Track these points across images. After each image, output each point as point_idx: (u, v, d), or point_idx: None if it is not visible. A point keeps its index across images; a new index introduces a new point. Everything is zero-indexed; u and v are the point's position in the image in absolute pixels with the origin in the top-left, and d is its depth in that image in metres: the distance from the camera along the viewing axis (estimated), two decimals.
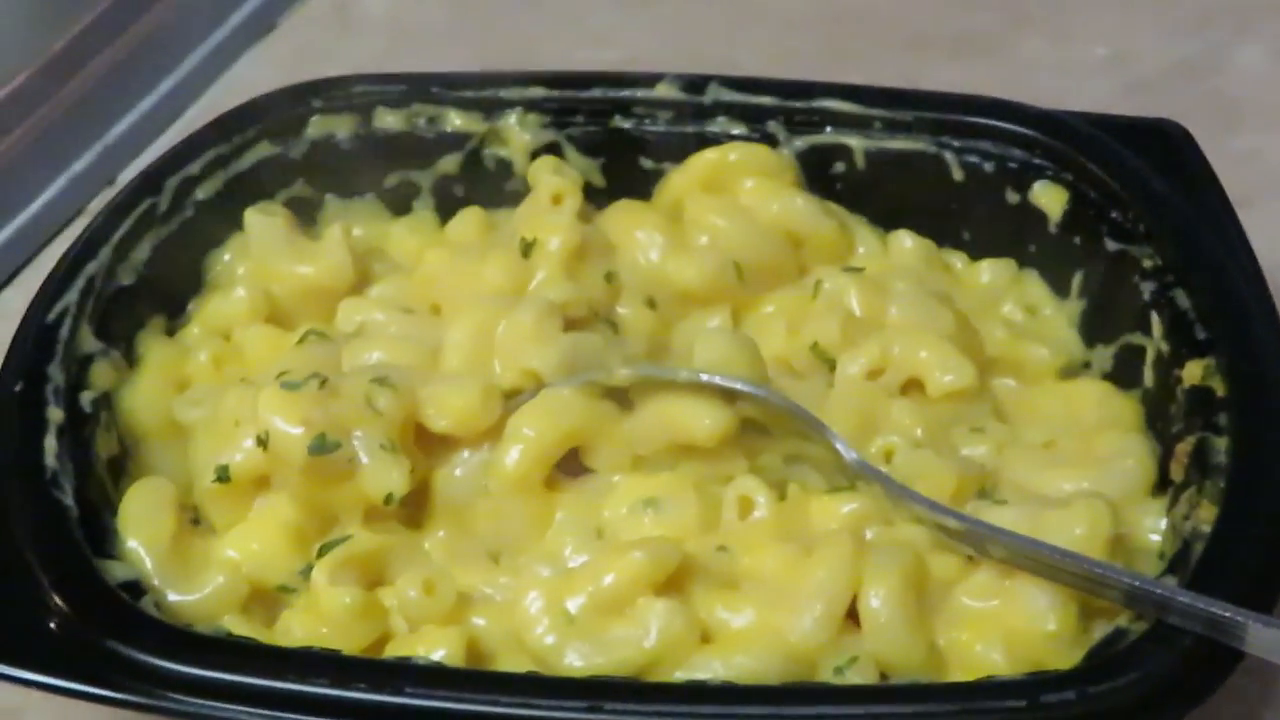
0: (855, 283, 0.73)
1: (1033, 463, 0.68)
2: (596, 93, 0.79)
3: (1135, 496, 0.66)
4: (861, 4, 1.06)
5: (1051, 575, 0.60)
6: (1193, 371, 0.66)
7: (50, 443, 0.64)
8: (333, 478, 0.64)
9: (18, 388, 0.66)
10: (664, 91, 0.78)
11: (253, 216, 0.75)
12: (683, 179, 0.78)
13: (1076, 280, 0.75)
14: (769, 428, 0.67)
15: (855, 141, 0.78)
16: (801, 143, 0.78)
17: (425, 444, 0.67)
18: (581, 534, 0.66)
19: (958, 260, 0.79)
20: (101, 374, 0.69)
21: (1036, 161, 0.76)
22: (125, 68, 0.97)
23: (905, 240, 0.78)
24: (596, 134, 0.79)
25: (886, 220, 0.78)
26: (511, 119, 0.79)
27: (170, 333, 0.75)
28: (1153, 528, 0.65)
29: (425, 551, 0.66)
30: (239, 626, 0.63)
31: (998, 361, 0.73)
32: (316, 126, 0.78)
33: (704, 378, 0.66)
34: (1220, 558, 0.59)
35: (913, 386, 0.70)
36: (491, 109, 0.79)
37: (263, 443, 0.64)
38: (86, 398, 0.67)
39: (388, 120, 0.79)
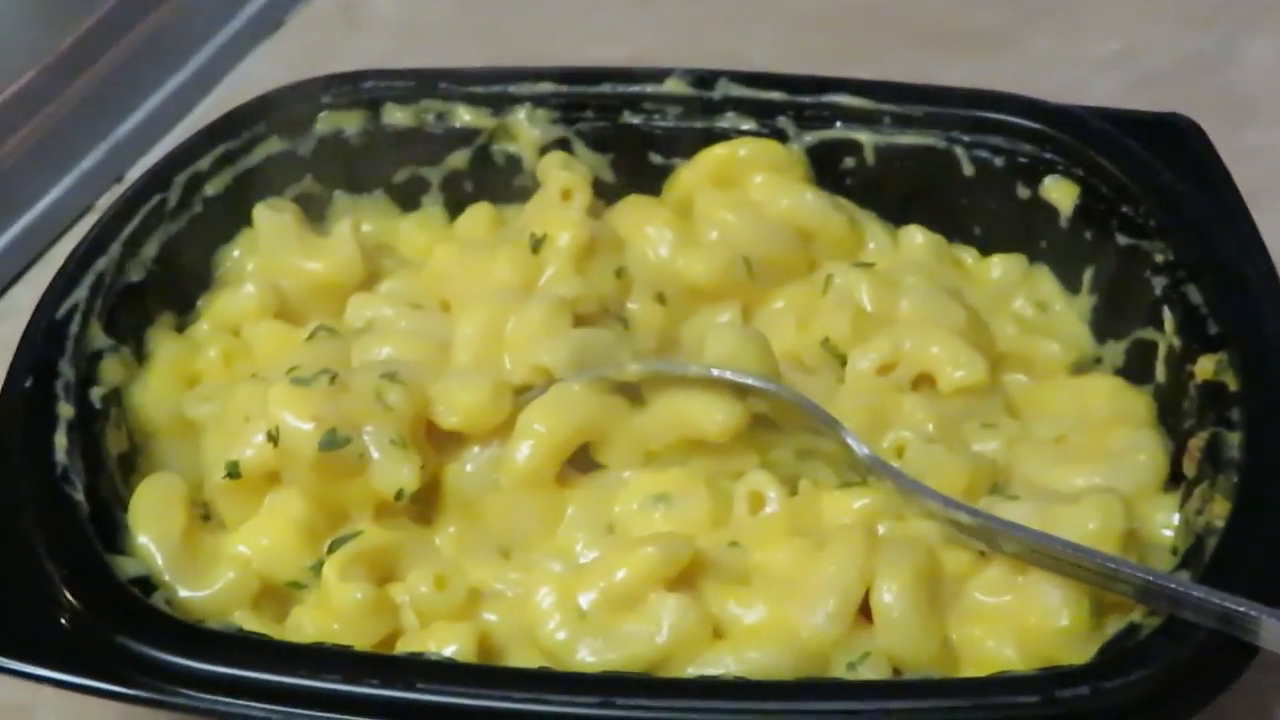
0: (866, 278, 0.73)
1: (1044, 458, 0.67)
2: (606, 88, 0.79)
3: (1147, 492, 0.65)
4: None
5: (1064, 570, 0.60)
6: (1205, 366, 0.66)
7: (61, 439, 0.64)
8: (343, 473, 0.64)
9: (28, 384, 0.66)
10: (673, 87, 0.78)
11: (262, 212, 0.75)
12: (692, 174, 0.77)
13: (1088, 275, 0.75)
14: (780, 423, 0.67)
15: (865, 137, 0.77)
16: (811, 138, 0.78)
17: (436, 440, 0.67)
18: (593, 529, 0.66)
19: (968, 255, 0.78)
20: (111, 370, 0.69)
21: (1047, 156, 0.75)
22: (133, 65, 0.97)
23: (916, 235, 0.77)
24: (606, 129, 0.79)
25: (897, 215, 0.78)
26: (521, 114, 0.79)
27: (180, 329, 0.74)
28: (1165, 523, 0.64)
29: (436, 547, 0.66)
30: (250, 622, 0.63)
31: (1009, 357, 0.73)
32: (325, 122, 0.78)
33: (715, 373, 0.66)
34: (1234, 552, 0.59)
35: (924, 382, 0.70)
36: (501, 105, 0.79)
37: (273, 438, 0.64)
38: (97, 394, 0.67)
39: (397, 116, 0.79)
